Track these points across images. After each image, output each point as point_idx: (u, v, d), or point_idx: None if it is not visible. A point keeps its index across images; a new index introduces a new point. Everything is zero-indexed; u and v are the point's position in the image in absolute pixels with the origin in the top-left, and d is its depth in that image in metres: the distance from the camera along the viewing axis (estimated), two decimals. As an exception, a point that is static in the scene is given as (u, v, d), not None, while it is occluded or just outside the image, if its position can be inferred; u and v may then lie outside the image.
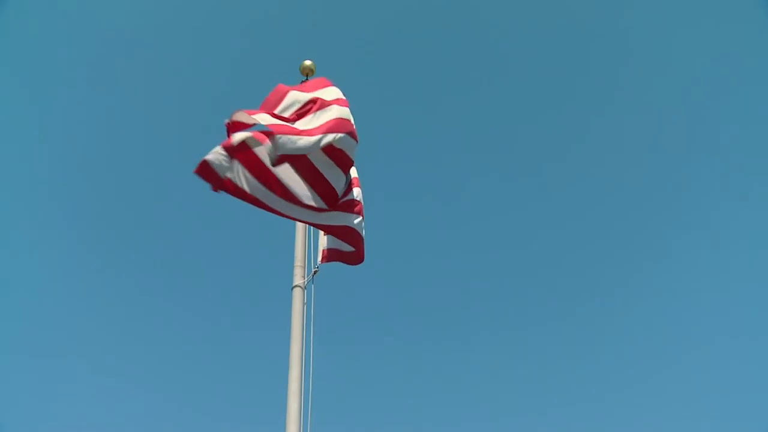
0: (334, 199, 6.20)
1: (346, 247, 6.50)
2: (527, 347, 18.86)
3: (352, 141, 6.12)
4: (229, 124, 5.68)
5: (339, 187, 6.19)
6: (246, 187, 5.72)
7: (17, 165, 17.66)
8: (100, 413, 15.90)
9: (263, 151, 5.79)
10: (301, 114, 6.16)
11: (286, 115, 6.13)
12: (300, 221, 6.27)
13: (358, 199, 6.50)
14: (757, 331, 16.38)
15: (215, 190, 5.41)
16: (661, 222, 19.62)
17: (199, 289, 19.21)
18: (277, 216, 5.95)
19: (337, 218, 6.27)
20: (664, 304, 18.57)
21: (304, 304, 5.98)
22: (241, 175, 5.70)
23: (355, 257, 6.54)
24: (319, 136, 5.85)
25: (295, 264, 6.20)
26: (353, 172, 6.63)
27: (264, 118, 5.81)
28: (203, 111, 20.26)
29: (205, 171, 5.27)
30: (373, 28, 21.66)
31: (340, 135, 5.97)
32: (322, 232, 6.67)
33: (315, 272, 6.25)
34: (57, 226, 18.15)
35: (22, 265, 17.11)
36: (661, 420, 16.17)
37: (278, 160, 5.72)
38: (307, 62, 7.82)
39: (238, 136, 5.54)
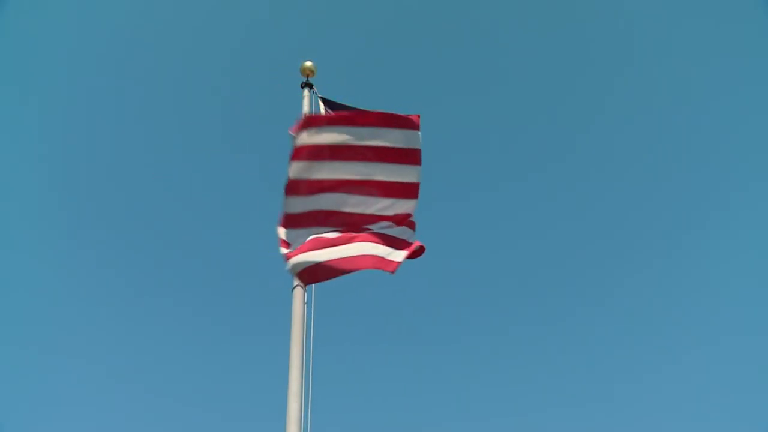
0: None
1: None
2: (527, 347, 18.88)
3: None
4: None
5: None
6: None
7: (17, 165, 17.67)
8: (100, 413, 15.91)
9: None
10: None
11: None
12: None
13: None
14: (757, 331, 16.39)
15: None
16: (662, 222, 19.62)
17: (199, 289, 19.22)
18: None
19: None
20: (664, 304, 18.59)
21: (304, 305, 5.97)
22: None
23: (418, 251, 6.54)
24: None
25: (296, 264, 6.18)
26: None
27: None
28: (203, 111, 20.27)
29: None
30: (373, 29, 21.66)
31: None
32: None
33: None
34: (57, 226, 18.17)
35: (22, 265, 17.12)
36: (660, 420, 16.18)
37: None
38: (308, 63, 7.80)
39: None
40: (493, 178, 21.28)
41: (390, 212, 6.38)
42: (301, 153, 6.17)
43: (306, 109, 7.41)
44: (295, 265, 5.90)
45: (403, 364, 18.33)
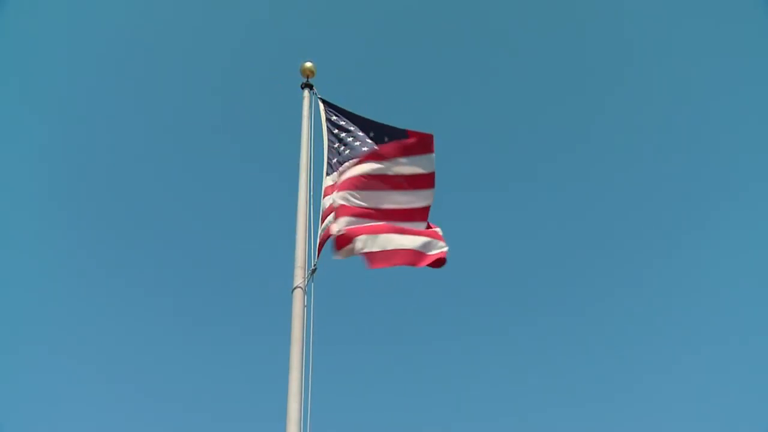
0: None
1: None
2: (527, 347, 18.89)
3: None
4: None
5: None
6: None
7: (17, 165, 17.68)
8: (100, 413, 15.92)
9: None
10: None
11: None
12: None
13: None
14: (757, 332, 16.39)
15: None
16: (662, 222, 19.64)
17: (199, 289, 19.24)
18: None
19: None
20: (664, 304, 18.60)
21: (304, 306, 5.98)
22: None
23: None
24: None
25: (296, 265, 6.19)
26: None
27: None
28: (203, 111, 20.29)
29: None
30: (373, 30, 21.67)
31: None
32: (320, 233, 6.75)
33: (313, 270, 6.23)
34: (57, 226, 18.19)
35: (23, 265, 17.13)
36: (661, 420, 16.19)
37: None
38: (308, 64, 7.81)
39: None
40: (494, 178, 21.32)
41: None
42: (338, 186, 6.69)
43: (306, 110, 7.41)
44: (359, 246, 6.35)
45: (403, 364, 18.36)
